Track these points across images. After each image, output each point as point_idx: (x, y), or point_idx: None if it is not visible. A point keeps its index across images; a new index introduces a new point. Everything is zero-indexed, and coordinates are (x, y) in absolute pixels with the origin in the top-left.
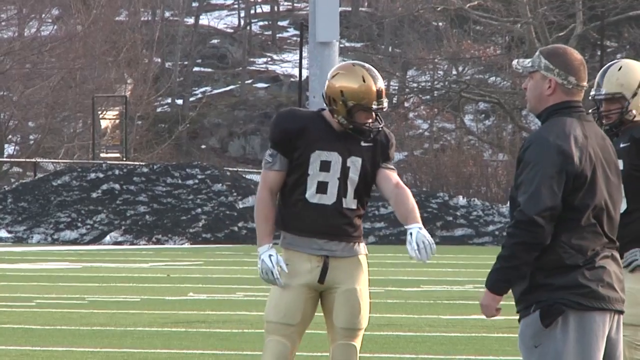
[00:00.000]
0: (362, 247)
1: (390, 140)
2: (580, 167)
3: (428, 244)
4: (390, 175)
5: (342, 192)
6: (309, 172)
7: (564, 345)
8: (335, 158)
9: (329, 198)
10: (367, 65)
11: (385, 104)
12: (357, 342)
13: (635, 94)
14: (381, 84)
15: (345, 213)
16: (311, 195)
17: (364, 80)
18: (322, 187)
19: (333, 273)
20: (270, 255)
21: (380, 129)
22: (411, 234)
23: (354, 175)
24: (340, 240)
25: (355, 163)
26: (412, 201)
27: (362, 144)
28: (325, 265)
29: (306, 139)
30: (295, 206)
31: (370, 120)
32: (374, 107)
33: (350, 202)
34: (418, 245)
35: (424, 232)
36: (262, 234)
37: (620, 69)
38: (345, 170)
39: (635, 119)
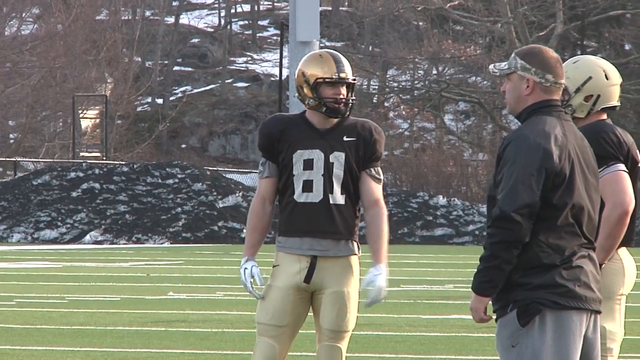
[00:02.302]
0: (354, 247)
1: (374, 135)
2: (559, 165)
3: (381, 298)
4: (373, 189)
5: (327, 188)
6: (294, 172)
7: (542, 344)
8: (317, 155)
9: (316, 196)
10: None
11: (349, 75)
12: (343, 344)
13: (578, 90)
14: (341, 58)
15: (333, 209)
16: (298, 195)
17: (321, 56)
18: (307, 186)
19: (321, 274)
20: (245, 269)
21: (352, 102)
22: (375, 277)
23: (338, 171)
24: (332, 238)
25: (339, 158)
26: (383, 230)
27: (345, 138)
28: (312, 266)
29: (287, 140)
30: (286, 209)
31: (340, 96)
32: (335, 77)
33: (337, 198)
34: (375, 296)
35: (382, 281)
36: (246, 245)
37: (575, 62)
38: (328, 166)
39: (575, 114)
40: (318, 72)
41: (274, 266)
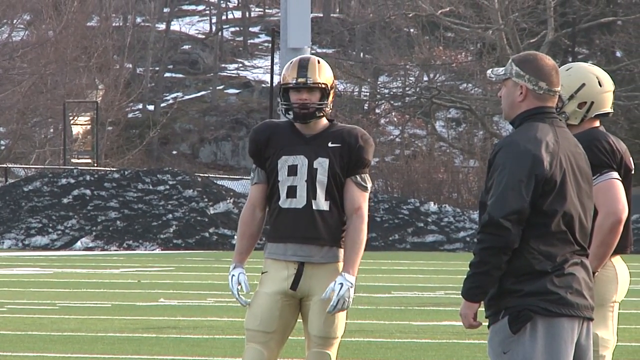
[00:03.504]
0: (340, 253)
1: (359, 142)
2: (549, 171)
3: (344, 306)
4: (356, 197)
5: (311, 194)
6: (279, 178)
7: (533, 351)
8: (301, 161)
9: (299, 201)
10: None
11: (310, 80)
12: (332, 351)
13: (572, 97)
14: (309, 63)
15: (317, 215)
16: (283, 201)
17: (291, 62)
18: (291, 192)
19: (309, 281)
20: (232, 276)
21: (321, 106)
22: (340, 284)
23: (322, 177)
24: (315, 244)
25: (322, 164)
26: (359, 241)
27: (330, 144)
28: (298, 273)
29: (273, 147)
30: (272, 215)
31: (301, 101)
32: (292, 82)
33: (321, 204)
34: (337, 303)
35: (346, 290)
36: (235, 252)
37: (568, 69)
38: (312, 172)
39: (569, 121)
40: (285, 78)
41: (262, 273)
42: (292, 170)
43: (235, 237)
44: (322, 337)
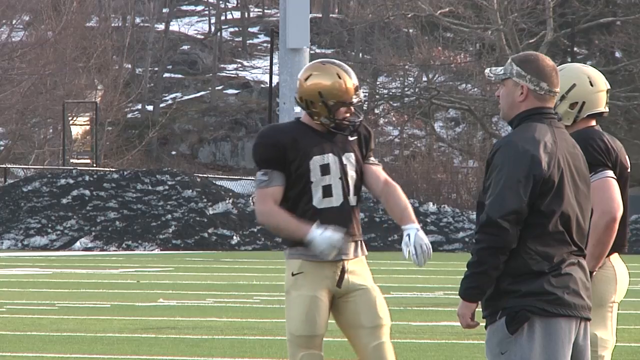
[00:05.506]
0: (364, 247)
1: (370, 132)
2: (547, 172)
3: (426, 250)
4: (378, 173)
5: (346, 191)
6: (312, 179)
7: (530, 351)
8: (331, 159)
9: (336, 200)
10: (336, 61)
11: (362, 96)
12: (386, 338)
13: (563, 98)
14: (354, 77)
15: (350, 211)
16: (318, 201)
17: (339, 77)
18: (327, 191)
19: (349, 278)
20: (323, 233)
21: (360, 122)
22: (409, 235)
23: (352, 172)
24: (352, 240)
25: (350, 159)
26: (404, 199)
27: (350, 138)
28: (343, 270)
29: (299, 149)
30: (304, 217)
31: (349, 115)
32: (354, 101)
33: (353, 200)
34: (416, 250)
35: (422, 234)
36: (298, 227)
37: (560, 70)
38: (344, 169)
39: (562, 122)
40: (338, 96)
41: (294, 274)
42: (325, 170)
43: (280, 226)
44: (375, 326)
